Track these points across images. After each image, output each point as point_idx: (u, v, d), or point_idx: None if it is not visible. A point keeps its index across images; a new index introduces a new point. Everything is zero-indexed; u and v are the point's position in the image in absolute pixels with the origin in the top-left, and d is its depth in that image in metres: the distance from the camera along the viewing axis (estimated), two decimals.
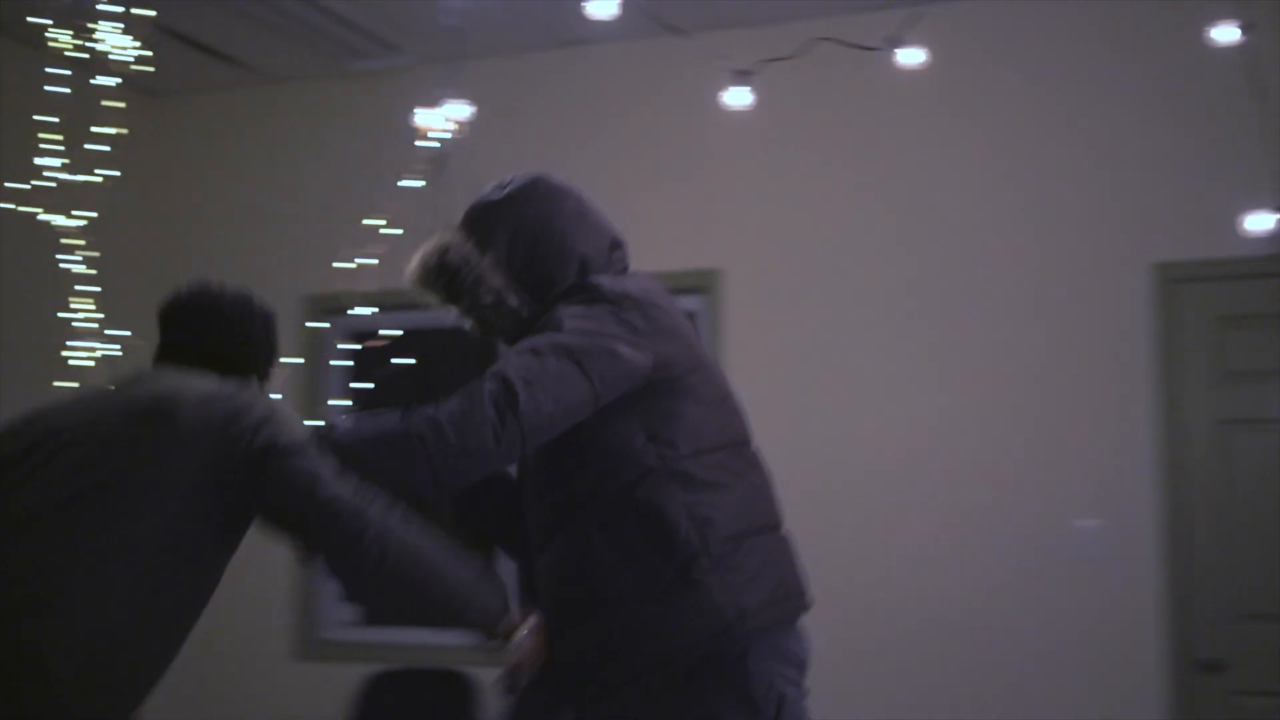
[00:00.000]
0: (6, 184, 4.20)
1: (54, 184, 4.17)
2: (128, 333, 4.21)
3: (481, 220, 2.74)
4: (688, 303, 5.53)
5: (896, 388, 5.15)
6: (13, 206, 4.02)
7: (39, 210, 4.14)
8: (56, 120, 4.17)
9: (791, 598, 2.61)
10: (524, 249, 2.69)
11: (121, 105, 4.20)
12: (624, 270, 2.78)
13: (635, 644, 2.50)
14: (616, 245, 2.78)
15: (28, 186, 4.15)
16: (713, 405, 2.63)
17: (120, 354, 4.20)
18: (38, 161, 4.19)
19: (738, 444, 2.65)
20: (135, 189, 5.43)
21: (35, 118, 4.16)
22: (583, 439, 2.53)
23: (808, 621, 2.63)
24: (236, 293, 2.65)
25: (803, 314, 5.30)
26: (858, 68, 4.72)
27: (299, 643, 5.87)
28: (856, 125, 5.31)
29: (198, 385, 2.38)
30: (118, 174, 4.17)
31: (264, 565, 5.60)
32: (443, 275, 2.69)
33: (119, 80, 4.14)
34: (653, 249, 5.43)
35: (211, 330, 2.60)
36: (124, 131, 4.22)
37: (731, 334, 5.37)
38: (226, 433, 2.30)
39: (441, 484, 2.38)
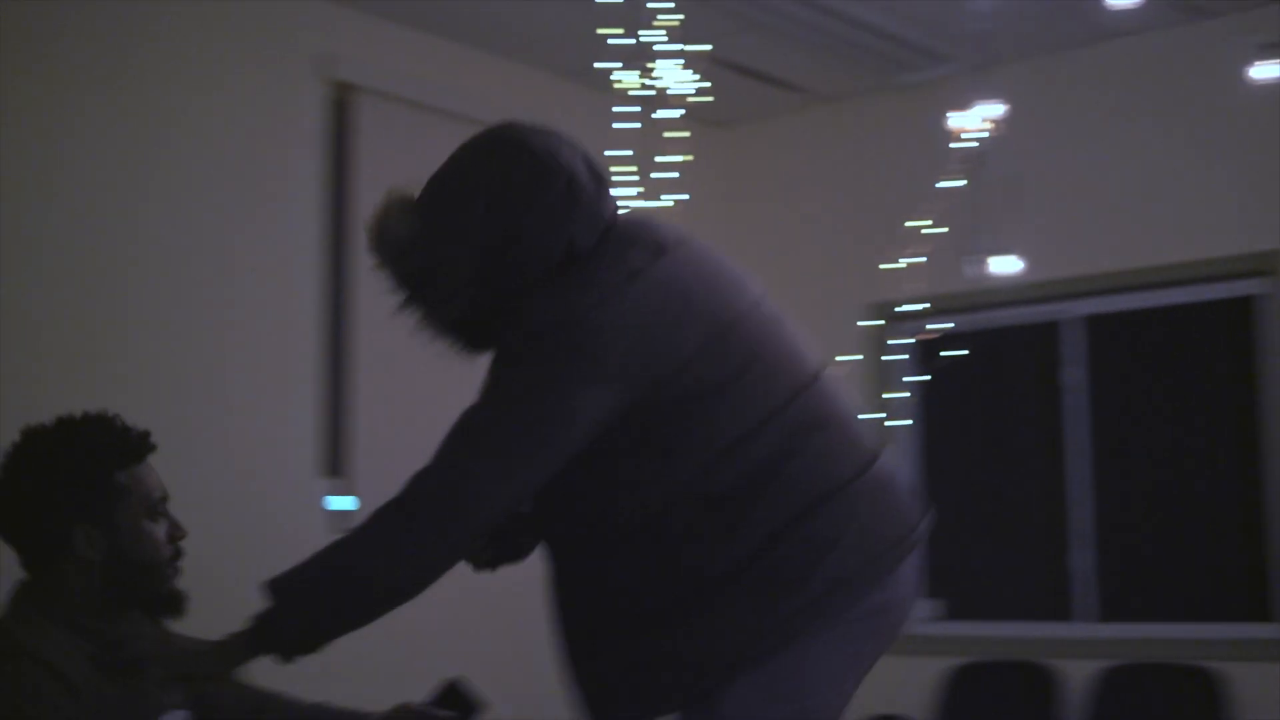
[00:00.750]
0: None
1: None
2: None
3: (440, 191, 2.34)
4: (1241, 287, 5.43)
5: None
6: None
7: None
8: (629, 154, 4.62)
9: (865, 567, 2.24)
10: (490, 234, 2.27)
11: (686, 135, 4.60)
12: (620, 240, 2.29)
13: (656, 674, 2.24)
14: (610, 214, 2.33)
15: None
16: (731, 384, 2.24)
17: None
18: (613, 193, 4.64)
19: (774, 413, 2.25)
20: (703, 211, 5.85)
21: (607, 153, 4.62)
22: (578, 473, 2.24)
23: None
24: None
25: None
26: None
27: None
28: None
29: None
30: (685, 197, 4.58)
31: None
32: (381, 249, 2.32)
33: (682, 112, 4.55)
34: (1197, 236, 5.42)
35: None
36: (689, 159, 4.62)
37: None
38: None
39: (404, 594, 2.25)
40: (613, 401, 2.18)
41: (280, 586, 2.26)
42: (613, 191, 2.37)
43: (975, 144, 4.31)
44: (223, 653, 2.33)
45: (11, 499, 2.50)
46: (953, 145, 4.32)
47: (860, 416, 2.40)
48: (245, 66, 4.78)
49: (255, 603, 2.26)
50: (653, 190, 4.61)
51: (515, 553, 2.52)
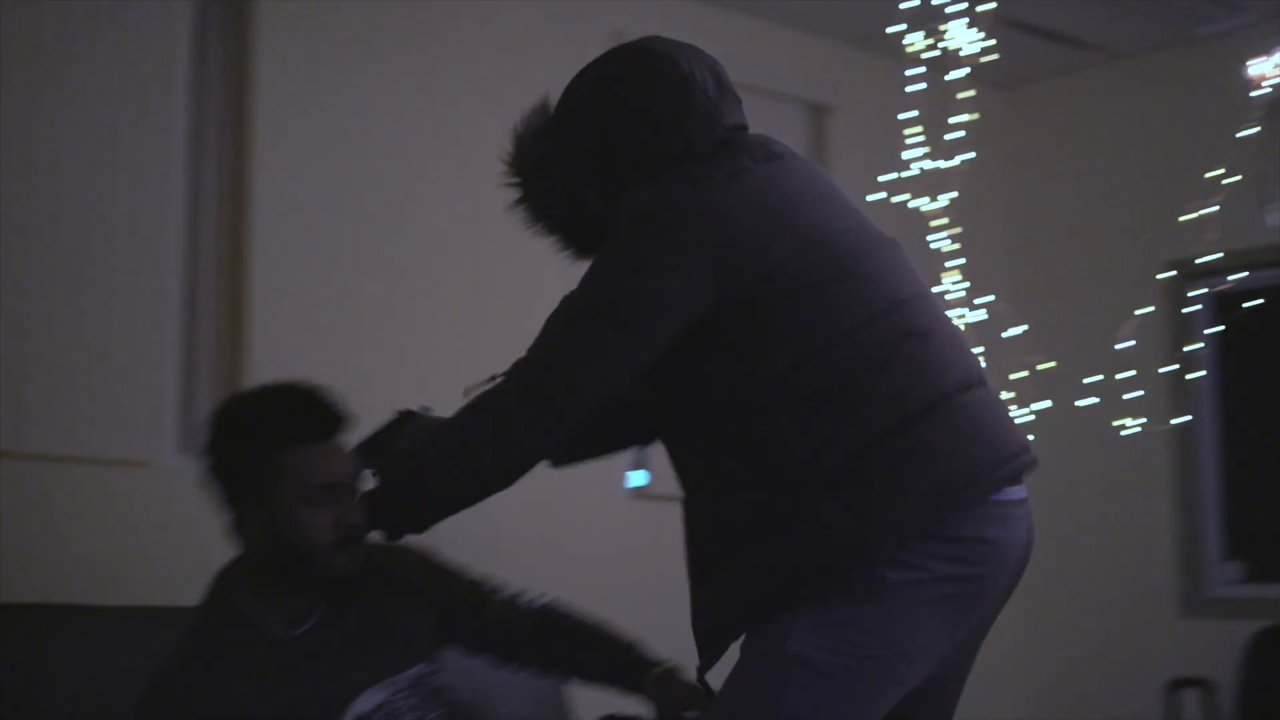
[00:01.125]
0: (879, 177, 4.76)
1: (918, 172, 4.70)
2: (991, 297, 4.67)
3: (566, 95, 2.45)
4: None
5: None
6: (884, 196, 4.56)
7: (907, 196, 4.69)
8: (916, 115, 4.69)
9: (966, 485, 2.17)
10: (606, 134, 2.37)
11: (973, 94, 4.64)
12: (737, 145, 2.36)
13: (752, 584, 2.18)
14: (733, 123, 2.40)
15: (896, 177, 4.71)
16: (827, 287, 2.22)
17: (987, 320, 4.67)
18: (904, 155, 4.74)
19: (873, 318, 2.22)
20: (991, 171, 5.86)
21: (899, 116, 4.70)
22: (675, 366, 2.25)
23: None
24: None
25: None
26: None
27: (1184, 600, 5.93)
28: None
29: None
30: (972, 155, 4.62)
31: (1145, 524, 5.86)
32: (518, 155, 2.44)
33: (969, 73, 4.59)
34: None
35: None
36: (975, 118, 4.66)
37: None
38: None
39: (486, 487, 2.32)
40: (705, 289, 2.19)
41: (385, 466, 2.41)
42: (737, 105, 2.43)
43: (1273, 90, 4.24)
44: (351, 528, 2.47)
45: (205, 469, 2.55)
46: (1252, 94, 4.25)
47: (964, 339, 2.39)
48: (547, 39, 4.94)
49: None
50: (942, 151, 4.67)
51: (593, 450, 2.64)
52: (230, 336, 4.14)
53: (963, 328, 4.59)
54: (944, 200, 4.66)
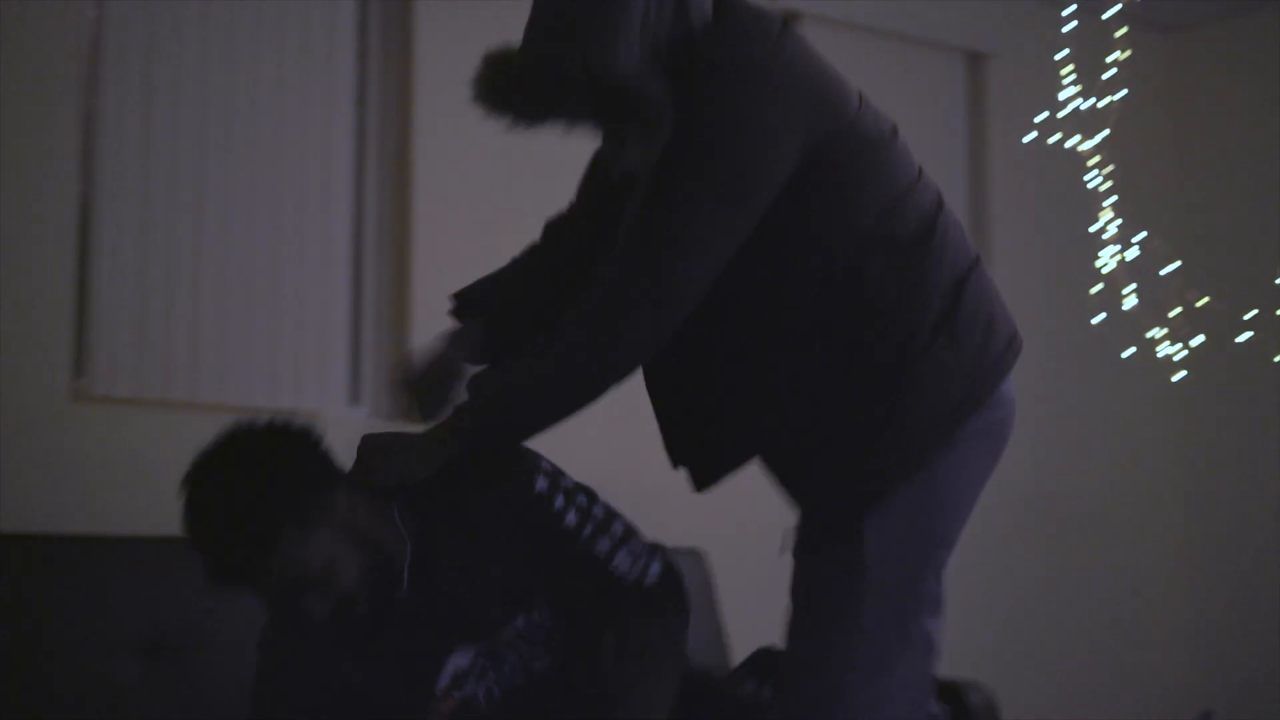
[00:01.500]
0: (1034, 119, 4.75)
1: (1074, 112, 4.69)
2: (1144, 233, 4.64)
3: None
4: None
5: None
6: (1035, 135, 4.56)
7: (1061, 136, 4.68)
8: (1071, 55, 4.68)
9: (1012, 342, 2.24)
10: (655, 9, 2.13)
11: (1126, 31, 4.62)
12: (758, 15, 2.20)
13: (883, 440, 2.15)
14: None
15: (1049, 116, 4.70)
16: (889, 141, 2.22)
17: (1142, 256, 4.63)
18: (1060, 96, 4.72)
19: (921, 172, 2.25)
20: (1149, 110, 5.78)
21: (1055, 58, 4.70)
22: (771, 236, 2.14)
23: None
24: None
25: None
26: None
27: None
28: None
29: None
30: (1124, 93, 4.59)
31: None
32: (537, 82, 2.14)
33: (1123, 9, 4.57)
34: None
35: None
36: (1130, 55, 4.63)
37: None
38: None
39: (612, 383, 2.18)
40: (803, 145, 2.11)
41: (487, 380, 2.27)
42: None
43: None
44: (426, 453, 2.25)
45: None
46: None
47: None
48: None
49: None
50: (1099, 90, 4.65)
51: None
52: (395, 293, 4.28)
53: (1115, 264, 4.58)
54: (1099, 139, 4.63)
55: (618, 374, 2.17)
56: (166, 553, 3.10)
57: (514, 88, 2.15)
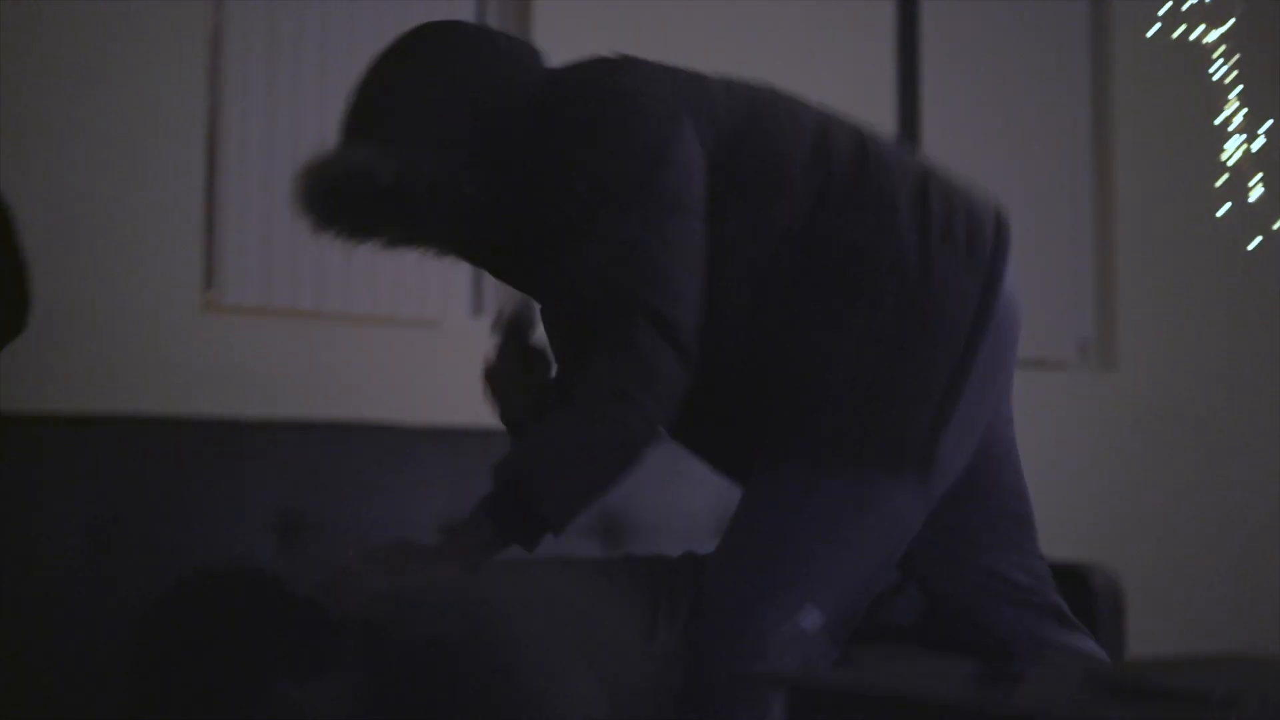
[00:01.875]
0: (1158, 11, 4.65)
1: (1197, 2, 4.60)
2: (1270, 121, 4.55)
3: (400, 108, 2.21)
4: None
5: None
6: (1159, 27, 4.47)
7: (1184, 27, 4.59)
8: None
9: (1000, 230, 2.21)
10: (473, 95, 2.15)
11: None
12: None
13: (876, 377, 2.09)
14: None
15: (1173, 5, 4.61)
16: (774, 103, 2.20)
17: (1267, 145, 4.55)
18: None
19: (822, 120, 2.21)
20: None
21: None
22: (716, 245, 2.11)
23: None
24: None
25: None
26: None
27: None
28: None
29: None
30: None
31: None
32: (364, 200, 2.23)
33: None
34: None
35: None
36: None
37: None
38: None
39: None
40: (698, 144, 2.10)
41: (523, 468, 2.05)
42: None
43: None
44: (466, 556, 2.09)
45: None
46: None
47: None
48: None
49: None
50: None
51: None
52: None
53: (1244, 156, 4.50)
54: (1225, 29, 4.53)
55: (662, 410, 2.07)
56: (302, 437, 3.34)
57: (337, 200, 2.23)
